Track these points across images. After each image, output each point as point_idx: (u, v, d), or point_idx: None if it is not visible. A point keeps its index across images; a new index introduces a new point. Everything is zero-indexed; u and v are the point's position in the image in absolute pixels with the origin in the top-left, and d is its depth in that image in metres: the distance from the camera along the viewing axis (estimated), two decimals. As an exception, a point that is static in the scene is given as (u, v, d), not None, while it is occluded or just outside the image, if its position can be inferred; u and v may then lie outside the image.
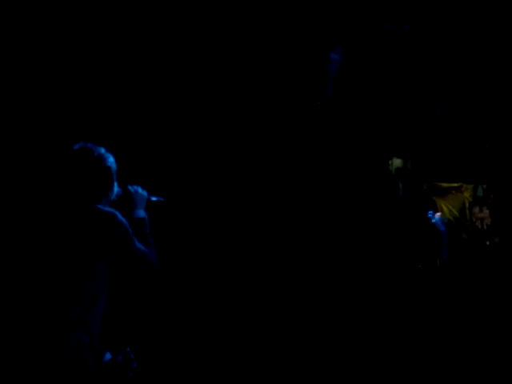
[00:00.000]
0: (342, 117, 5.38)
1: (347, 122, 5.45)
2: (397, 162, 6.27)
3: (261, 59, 5.48)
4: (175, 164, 5.40)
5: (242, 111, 5.52)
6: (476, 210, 6.60)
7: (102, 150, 3.71)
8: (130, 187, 4.00)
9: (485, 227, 6.54)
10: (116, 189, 3.80)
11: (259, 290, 5.44)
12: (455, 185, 6.62)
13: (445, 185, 6.57)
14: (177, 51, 5.39)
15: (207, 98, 5.49)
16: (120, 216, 3.61)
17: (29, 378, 3.44)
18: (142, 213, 3.93)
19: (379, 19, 5.24)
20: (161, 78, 5.42)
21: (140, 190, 4.01)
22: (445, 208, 6.49)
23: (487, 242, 6.29)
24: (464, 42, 5.53)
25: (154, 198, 4.06)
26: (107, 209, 3.64)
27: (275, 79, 5.50)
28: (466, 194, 6.64)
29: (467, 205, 6.61)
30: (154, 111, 5.41)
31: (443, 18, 5.41)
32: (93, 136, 3.99)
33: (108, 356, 3.63)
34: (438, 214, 4.98)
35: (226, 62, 5.47)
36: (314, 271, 5.43)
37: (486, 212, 6.58)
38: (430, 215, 4.85)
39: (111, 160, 3.73)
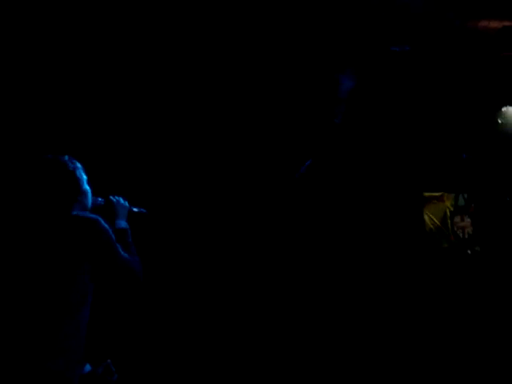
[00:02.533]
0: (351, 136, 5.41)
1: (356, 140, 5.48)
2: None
3: (271, 79, 5.50)
4: (158, 175, 5.40)
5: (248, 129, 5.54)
6: (457, 219, 6.62)
7: (65, 158, 3.74)
8: (111, 197, 4.01)
9: (466, 236, 6.57)
10: (88, 195, 3.80)
11: (253, 295, 5.45)
12: (436, 194, 6.64)
13: (426, 194, 6.60)
14: (181, 54, 5.38)
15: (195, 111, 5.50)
16: (102, 222, 3.62)
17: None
18: (123, 223, 3.94)
19: (386, 41, 5.27)
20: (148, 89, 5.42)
21: (122, 200, 4.02)
22: (426, 217, 6.50)
23: (468, 251, 6.32)
24: (443, 53, 5.58)
25: (135, 209, 4.07)
26: (89, 215, 3.65)
27: (285, 99, 5.53)
28: (448, 203, 6.66)
29: (448, 214, 6.63)
30: (139, 124, 5.40)
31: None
32: (72, 147, 4.01)
33: (88, 368, 3.62)
34: None
35: (234, 77, 5.49)
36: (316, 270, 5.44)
37: (468, 221, 6.61)
38: None
39: (76, 166, 3.75)
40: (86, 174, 3.84)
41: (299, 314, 5.38)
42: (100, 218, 3.62)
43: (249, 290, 5.45)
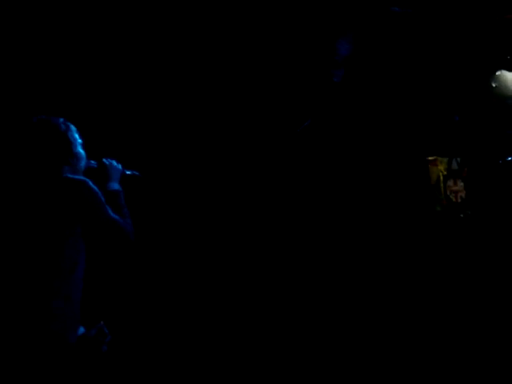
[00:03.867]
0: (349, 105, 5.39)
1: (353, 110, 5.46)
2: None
3: (265, 49, 5.46)
4: (153, 138, 5.39)
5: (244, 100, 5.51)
6: (450, 182, 6.63)
7: (59, 119, 3.74)
8: (104, 160, 4.01)
9: (459, 200, 6.58)
10: (81, 158, 3.81)
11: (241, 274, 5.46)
12: (429, 158, 6.64)
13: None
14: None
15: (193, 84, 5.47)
16: (91, 183, 3.65)
17: (10, 351, 3.46)
18: (116, 185, 3.95)
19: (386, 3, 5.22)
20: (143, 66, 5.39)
21: (115, 163, 4.03)
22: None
23: (461, 215, 6.33)
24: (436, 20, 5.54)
25: (128, 172, 4.08)
26: (77, 176, 3.67)
27: (281, 68, 5.49)
28: (441, 167, 6.66)
29: (441, 178, 6.63)
30: (135, 89, 5.38)
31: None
32: (68, 110, 4.01)
33: (81, 330, 3.65)
34: None
35: (228, 53, 5.45)
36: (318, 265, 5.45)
37: (461, 185, 6.61)
38: None
39: (69, 128, 3.75)
40: (81, 138, 3.84)
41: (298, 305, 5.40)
42: (88, 180, 3.65)
43: (243, 264, 5.46)
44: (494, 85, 6.15)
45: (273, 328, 5.25)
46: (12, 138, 3.80)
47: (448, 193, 6.63)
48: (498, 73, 6.18)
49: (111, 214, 3.66)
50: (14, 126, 3.92)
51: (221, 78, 5.47)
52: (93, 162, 3.98)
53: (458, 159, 6.68)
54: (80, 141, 3.83)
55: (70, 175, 3.66)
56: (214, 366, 5.15)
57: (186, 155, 5.44)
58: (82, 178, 3.66)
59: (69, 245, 3.55)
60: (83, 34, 5.24)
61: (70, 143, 3.74)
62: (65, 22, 5.19)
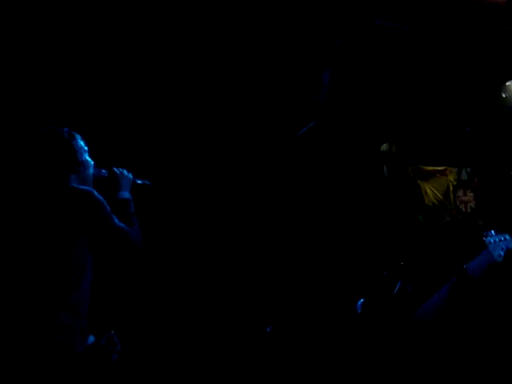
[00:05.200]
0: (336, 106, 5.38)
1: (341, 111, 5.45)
2: (382, 146, 6.29)
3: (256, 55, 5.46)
4: (163, 148, 5.39)
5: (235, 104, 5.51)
6: (460, 193, 6.63)
7: (64, 129, 3.75)
8: (115, 169, 4.02)
9: (469, 210, 6.58)
10: (87, 166, 3.81)
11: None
12: (440, 168, 6.64)
13: (429, 168, 6.59)
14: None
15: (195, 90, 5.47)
16: (96, 194, 3.64)
17: (15, 361, 3.46)
18: (126, 194, 3.95)
19: (372, 15, 5.21)
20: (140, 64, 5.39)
21: (125, 172, 4.03)
22: (429, 191, 6.50)
23: (471, 226, 6.33)
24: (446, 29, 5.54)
25: (139, 181, 4.08)
26: (82, 187, 3.66)
27: (270, 71, 5.49)
28: (451, 177, 6.66)
29: (451, 188, 6.63)
30: (145, 97, 5.38)
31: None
32: (77, 120, 4.03)
33: (91, 339, 3.65)
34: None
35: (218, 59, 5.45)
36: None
37: (470, 195, 6.61)
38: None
39: (73, 137, 3.76)
40: (88, 146, 3.85)
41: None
42: (93, 190, 3.64)
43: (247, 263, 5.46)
44: (504, 95, 6.15)
45: (272, 327, 5.24)
46: (18, 150, 3.81)
47: (458, 203, 6.62)
48: (508, 83, 6.18)
49: (117, 223, 3.66)
50: (20, 138, 3.94)
51: (219, 84, 5.47)
52: (103, 170, 3.98)
53: (468, 169, 6.67)
54: (86, 149, 3.83)
55: (76, 185, 3.66)
56: (223, 374, 5.15)
57: (195, 164, 5.44)
58: (86, 188, 3.66)
59: (75, 255, 3.55)
60: (90, 42, 5.25)
61: (75, 151, 3.74)
62: (71, 29, 5.20)
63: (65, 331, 3.45)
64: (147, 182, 4.14)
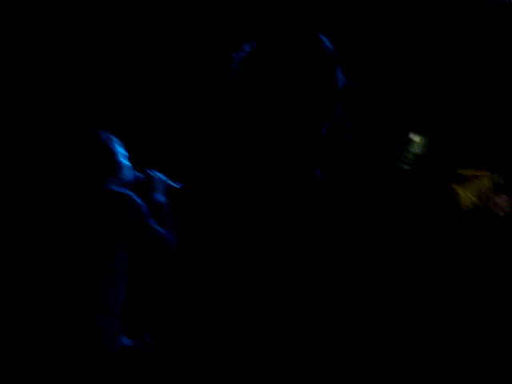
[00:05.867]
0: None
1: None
2: (415, 149, 6.26)
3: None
4: (197, 151, 5.41)
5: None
6: (496, 197, 6.58)
7: (101, 132, 3.80)
8: (150, 172, 4.06)
9: (504, 214, 6.52)
10: (125, 169, 3.86)
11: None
12: (475, 172, 6.59)
13: (465, 172, 6.55)
14: None
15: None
16: (134, 196, 3.70)
17: (51, 361, 3.51)
18: (161, 197, 3.98)
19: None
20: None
21: (160, 175, 4.07)
22: (464, 195, 6.47)
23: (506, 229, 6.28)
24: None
25: (174, 184, 4.12)
26: (120, 189, 3.71)
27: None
28: (486, 182, 6.61)
29: (487, 192, 6.59)
30: (179, 103, 5.40)
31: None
32: (114, 124, 4.07)
33: (125, 340, 3.69)
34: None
35: None
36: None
37: (506, 199, 6.56)
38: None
39: (110, 140, 3.80)
40: (125, 150, 3.89)
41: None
42: (131, 193, 3.69)
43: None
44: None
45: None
46: (56, 154, 3.86)
47: (493, 207, 6.58)
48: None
49: (154, 226, 3.70)
50: (59, 142, 3.99)
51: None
52: (139, 173, 4.02)
53: (505, 174, 6.62)
54: (123, 152, 3.87)
55: (114, 187, 3.71)
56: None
57: (230, 168, 5.45)
58: (124, 191, 3.71)
59: (111, 257, 3.60)
60: (130, 52, 5.29)
61: (113, 154, 3.79)
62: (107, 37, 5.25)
63: (99, 332, 3.50)
64: (181, 185, 4.17)
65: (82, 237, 3.60)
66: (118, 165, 3.81)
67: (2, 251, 4.45)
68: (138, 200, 3.68)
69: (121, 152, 3.86)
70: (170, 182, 4.11)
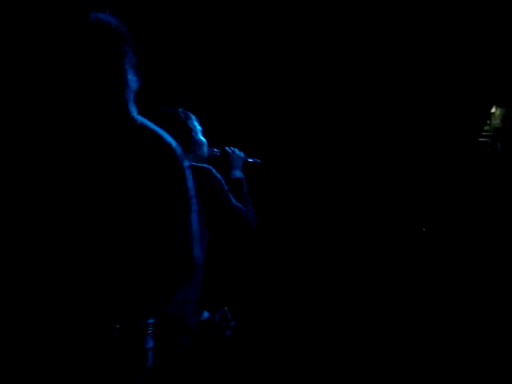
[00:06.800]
0: None
1: None
2: (496, 122, 6.13)
3: None
4: (274, 126, 5.40)
5: None
6: None
7: (179, 109, 3.82)
8: (227, 148, 4.07)
9: None
10: (202, 145, 3.87)
11: None
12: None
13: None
14: None
15: None
16: (214, 171, 3.70)
17: (128, 332, 3.56)
18: (238, 173, 3.99)
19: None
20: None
21: (237, 151, 4.07)
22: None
23: None
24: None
25: (250, 160, 4.12)
26: (201, 164, 3.73)
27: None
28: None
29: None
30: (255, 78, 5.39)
31: None
32: (191, 101, 4.08)
33: (206, 314, 3.72)
34: None
35: None
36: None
37: None
38: None
39: (188, 116, 3.81)
40: (202, 126, 3.90)
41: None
42: (212, 168, 3.70)
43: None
44: None
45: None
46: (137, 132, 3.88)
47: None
48: None
49: (234, 201, 3.72)
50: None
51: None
52: (216, 150, 4.04)
53: None
54: (200, 128, 3.88)
55: (194, 163, 3.72)
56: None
57: (306, 143, 5.43)
58: (206, 165, 3.72)
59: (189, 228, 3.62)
60: (215, 32, 5.29)
61: (191, 131, 3.80)
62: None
63: (177, 305, 3.53)
64: (258, 161, 4.18)
65: (164, 210, 3.64)
66: (195, 142, 3.82)
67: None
68: (219, 175, 3.70)
69: (198, 128, 3.87)
70: (248, 159, 4.11)
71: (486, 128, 5.97)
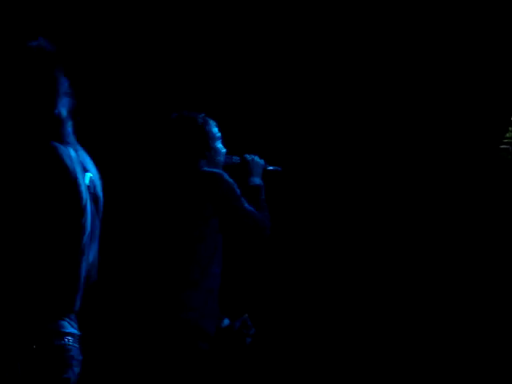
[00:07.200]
0: None
1: None
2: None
3: None
4: (294, 133, 5.39)
5: None
6: None
7: (199, 114, 3.83)
8: (247, 155, 4.07)
9: None
10: (219, 152, 3.88)
11: None
12: None
13: None
14: None
15: None
16: (226, 176, 3.72)
17: (147, 339, 3.58)
18: (257, 180, 4.00)
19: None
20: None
21: (257, 158, 4.08)
22: None
23: None
24: None
25: (270, 167, 4.12)
26: (214, 169, 3.75)
27: None
28: None
29: None
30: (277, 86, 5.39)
31: None
32: (211, 107, 4.08)
33: (226, 322, 3.73)
34: None
35: None
36: None
37: None
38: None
39: (207, 122, 3.82)
40: (221, 133, 3.91)
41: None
42: (224, 173, 3.72)
43: None
44: None
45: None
46: (153, 134, 3.91)
47: None
48: None
49: (247, 206, 3.72)
50: (155, 122, 4.04)
51: None
52: (235, 157, 4.04)
53: None
54: (219, 135, 3.89)
55: (207, 169, 3.74)
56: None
57: (324, 151, 5.42)
58: (217, 170, 3.74)
59: (205, 236, 3.64)
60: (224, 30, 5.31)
61: (208, 137, 3.82)
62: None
63: (194, 312, 3.55)
64: (278, 169, 4.18)
65: (176, 216, 3.65)
66: (212, 148, 3.83)
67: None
68: (231, 180, 3.70)
69: (217, 135, 3.88)
70: (268, 166, 4.11)
71: (508, 135, 5.90)
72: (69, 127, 2.51)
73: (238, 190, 3.73)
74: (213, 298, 3.64)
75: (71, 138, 2.50)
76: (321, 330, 5.23)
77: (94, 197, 2.52)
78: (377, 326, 5.21)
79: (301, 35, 5.30)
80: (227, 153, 3.98)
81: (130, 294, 3.80)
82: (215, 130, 3.88)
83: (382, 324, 5.21)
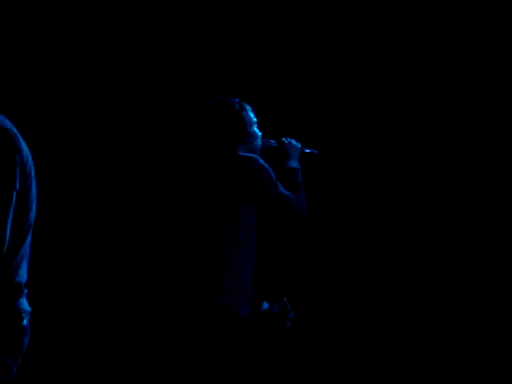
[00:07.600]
0: None
1: None
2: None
3: None
4: (330, 116, 5.38)
5: None
6: None
7: (235, 100, 3.82)
8: (283, 139, 4.07)
9: None
10: (256, 137, 3.89)
11: None
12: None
13: None
14: None
15: None
16: (261, 160, 3.72)
17: (180, 320, 3.60)
18: (295, 163, 4.00)
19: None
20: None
21: (294, 141, 4.08)
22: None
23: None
24: None
25: (307, 150, 4.12)
26: (248, 154, 3.75)
27: None
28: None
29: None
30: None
31: None
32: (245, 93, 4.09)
33: (265, 305, 3.74)
34: None
35: None
36: None
37: None
38: None
39: (244, 108, 3.83)
40: (258, 117, 3.92)
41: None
42: (258, 157, 3.73)
43: None
44: None
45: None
46: (189, 119, 3.92)
47: None
48: None
49: (282, 190, 3.73)
50: (191, 107, 4.04)
51: None
52: (273, 141, 4.05)
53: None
54: (255, 120, 3.90)
55: (242, 153, 3.75)
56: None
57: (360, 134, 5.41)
58: (252, 155, 3.74)
59: (240, 220, 3.64)
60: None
61: (245, 122, 3.82)
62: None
63: (228, 295, 3.56)
64: (315, 151, 4.18)
65: (211, 200, 3.66)
66: (249, 133, 3.84)
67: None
68: (266, 164, 3.70)
69: (253, 120, 3.88)
70: (305, 149, 4.10)
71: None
72: None
73: (274, 174, 3.74)
74: (246, 281, 3.65)
75: None
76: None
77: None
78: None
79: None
80: (263, 136, 3.98)
81: (163, 278, 3.81)
82: (251, 114, 3.88)
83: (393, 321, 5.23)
